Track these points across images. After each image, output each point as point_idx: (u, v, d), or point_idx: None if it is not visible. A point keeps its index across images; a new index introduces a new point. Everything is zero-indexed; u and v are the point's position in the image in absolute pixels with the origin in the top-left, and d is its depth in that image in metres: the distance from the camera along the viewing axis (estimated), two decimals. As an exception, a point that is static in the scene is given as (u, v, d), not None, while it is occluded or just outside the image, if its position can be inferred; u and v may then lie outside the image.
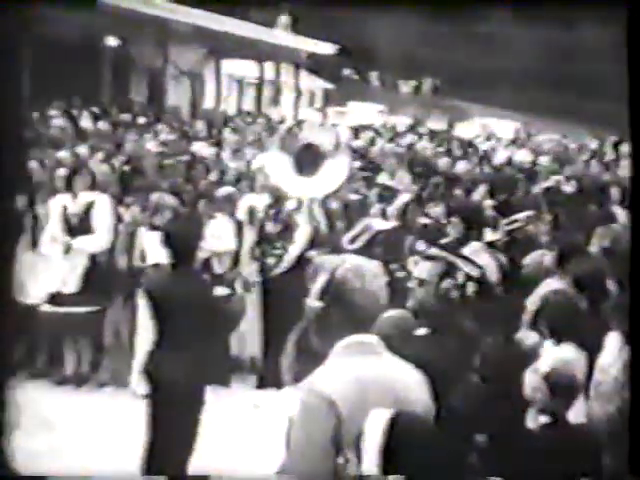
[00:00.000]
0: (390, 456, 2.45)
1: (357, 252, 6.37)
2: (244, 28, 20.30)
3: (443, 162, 11.52)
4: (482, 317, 4.68)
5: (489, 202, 8.16)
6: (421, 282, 4.73)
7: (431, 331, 4.24)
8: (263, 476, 4.33)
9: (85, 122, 13.55)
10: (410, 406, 2.64)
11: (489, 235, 6.75)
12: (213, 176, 9.25)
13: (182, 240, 5.09)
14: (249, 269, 7.48)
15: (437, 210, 7.49)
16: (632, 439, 3.75)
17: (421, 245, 6.08)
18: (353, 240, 7.51)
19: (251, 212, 7.77)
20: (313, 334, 2.81)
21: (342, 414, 2.54)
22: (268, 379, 7.13)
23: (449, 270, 4.93)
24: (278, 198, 7.67)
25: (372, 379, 2.63)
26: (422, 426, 2.63)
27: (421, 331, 4.28)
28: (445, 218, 7.07)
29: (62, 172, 8.35)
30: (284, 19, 23.08)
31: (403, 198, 8.29)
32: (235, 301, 7.03)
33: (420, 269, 4.88)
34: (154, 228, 7.10)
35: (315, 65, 24.98)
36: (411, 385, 2.74)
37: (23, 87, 16.87)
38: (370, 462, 2.46)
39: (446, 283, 4.76)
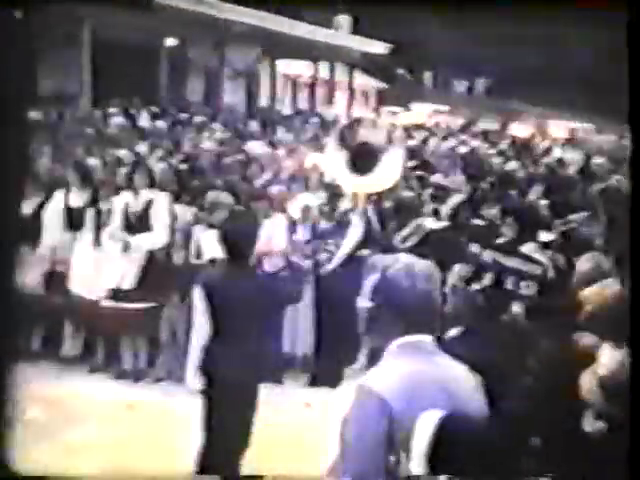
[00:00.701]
0: (441, 457, 2.41)
1: (409, 251, 6.31)
2: (299, 28, 20.33)
3: (496, 162, 11.40)
4: (538, 317, 4.60)
5: (544, 202, 8.04)
6: (453, 286, 4.68)
7: (463, 332, 4.18)
8: (315, 476, 4.31)
9: (144, 121, 13.68)
10: (463, 407, 2.60)
11: (544, 236, 6.64)
12: (268, 174, 9.26)
13: (237, 238, 5.08)
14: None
15: (491, 211, 7.41)
16: (632, 439, 3.68)
17: (475, 248, 6.01)
18: (405, 239, 7.46)
19: (305, 210, 7.75)
20: (365, 333, 2.77)
21: (394, 413, 2.51)
22: (320, 377, 7.12)
23: (478, 272, 4.86)
24: (332, 196, 7.66)
25: (425, 379, 2.58)
26: (475, 427, 2.58)
27: (453, 332, 4.22)
28: (500, 218, 6.98)
29: (122, 170, 8.47)
30: (340, 19, 23.04)
31: (456, 198, 8.21)
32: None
33: (451, 274, 4.84)
34: (210, 226, 7.12)
35: (369, 65, 24.92)
36: (465, 386, 2.69)
37: (84, 87, 17.19)
38: (418, 462, 2.43)
39: (476, 285, 4.69)
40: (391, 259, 2.70)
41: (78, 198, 7.52)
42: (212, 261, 6.71)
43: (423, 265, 2.69)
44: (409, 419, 2.45)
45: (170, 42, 19.41)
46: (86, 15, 16.47)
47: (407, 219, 7.66)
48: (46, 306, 7.34)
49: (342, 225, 7.42)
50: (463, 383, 2.68)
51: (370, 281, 2.66)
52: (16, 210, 5.87)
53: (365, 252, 7.03)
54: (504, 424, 3.00)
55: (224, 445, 4.85)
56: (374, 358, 2.70)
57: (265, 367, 5.15)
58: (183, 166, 9.21)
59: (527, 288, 4.96)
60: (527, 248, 6.08)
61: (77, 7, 15.87)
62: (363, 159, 6.97)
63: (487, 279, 4.96)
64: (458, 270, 5.05)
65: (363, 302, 2.67)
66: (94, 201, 7.49)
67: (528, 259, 5.37)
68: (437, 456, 2.41)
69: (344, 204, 7.54)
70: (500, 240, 6.51)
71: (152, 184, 7.40)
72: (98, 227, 7.31)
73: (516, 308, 4.75)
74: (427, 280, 2.65)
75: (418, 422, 2.43)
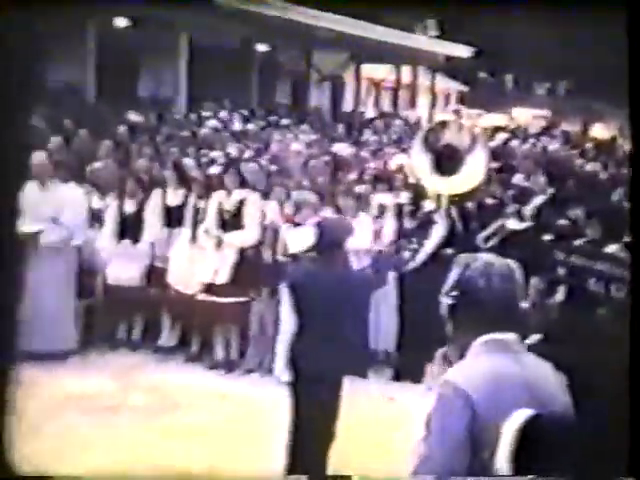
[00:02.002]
0: (525, 456, 2.37)
1: (491, 251, 6.21)
2: (384, 33, 20.24)
3: (578, 163, 11.15)
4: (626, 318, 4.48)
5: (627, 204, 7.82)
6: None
7: (543, 338, 4.09)
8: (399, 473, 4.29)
9: (236, 124, 13.81)
10: (547, 406, 2.55)
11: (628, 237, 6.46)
12: (353, 175, 9.25)
13: (322, 235, 5.09)
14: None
15: (574, 211, 7.24)
16: (632, 439, 3.56)
17: (560, 255, 5.88)
18: (487, 239, 7.36)
19: (389, 209, 7.72)
20: (448, 330, 2.75)
21: (478, 409, 2.47)
22: (403, 372, 7.08)
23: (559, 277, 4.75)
24: (416, 196, 7.60)
25: (509, 377, 2.54)
26: (559, 427, 2.53)
27: (534, 338, 4.14)
28: (584, 219, 6.82)
29: (215, 170, 8.57)
30: (424, 24, 22.86)
31: (538, 199, 8.07)
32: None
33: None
34: (297, 224, 7.15)
35: (451, 68, 24.69)
36: (549, 385, 2.64)
37: (181, 91, 17.42)
38: (503, 460, 2.39)
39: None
40: (472, 257, 2.68)
41: (175, 197, 7.64)
42: (299, 258, 6.73)
43: (503, 264, 2.66)
44: (493, 416, 2.42)
45: (261, 48, 19.58)
46: (183, 22, 16.71)
47: (489, 220, 7.56)
48: (146, 299, 7.49)
49: (426, 224, 7.35)
50: (547, 382, 2.63)
51: (451, 278, 2.64)
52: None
53: (448, 251, 6.96)
54: (589, 424, 2.93)
55: (311, 435, 4.86)
56: (458, 354, 2.68)
57: (350, 361, 5.13)
58: (272, 167, 9.26)
59: (616, 291, 4.84)
60: (612, 249, 5.93)
61: (175, 16, 16.12)
62: (447, 161, 6.90)
63: (569, 283, 4.85)
64: (535, 283, 4.96)
65: (445, 299, 2.65)
66: (190, 200, 7.59)
67: (614, 260, 5.23)
68: (522, 455, 2.37)
69: (428, 204, 7.47)
70: (583, 241, 6.37)
71: (243, 184, 7.48)
72: (194, 225, 7.41)
73: (602, 310, 4.64)
74: (507, 279, 2.62)
75: (506, 420, 2.40)
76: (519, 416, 2.40)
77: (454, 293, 2.62)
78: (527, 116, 20.31)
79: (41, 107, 13.01)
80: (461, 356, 2.64)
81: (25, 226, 6.96)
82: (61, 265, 7.12)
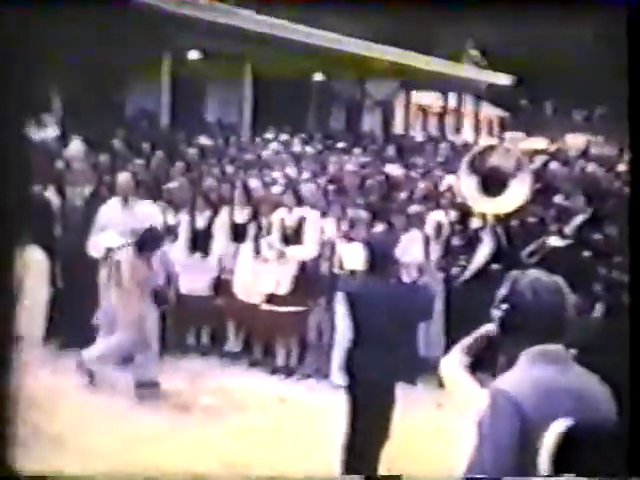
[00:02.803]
0: (568, 462, 2.33)
1: (536, 266, 6.11)
2: (433, 63, 20.19)
3: (616, 185, 10.93)
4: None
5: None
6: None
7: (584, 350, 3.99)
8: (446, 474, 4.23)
9: (295, 147, 13.85)
10: (593, 415, 2.49)
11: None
12: (404, 194, 9.20)
13: (375, 250, 5.07)
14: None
15: (613, 229, 7.11)
16: (632, 439, 3.42)
17: (600, 270, 5.77)
18: (531, 255, 7.25)
19: (438, 227, 7.66)
20: (497, 341, 2.71)
21: (527, 417, 2.43)
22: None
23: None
24: (464, 215, 7.53)
25: (557, 386, 2.50)
26: (604, 434, 2.48)
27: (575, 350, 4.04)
28: (620, 236, 6.68)
29: (277, 189, 8.61)
30: (469, 54, 22.77)
31: (578, 218, 7.94)
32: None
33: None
34: (351, 240, 7.13)
35: (494, 95, 24.54)
36: (597, 396, 2.59)
37: (245, 116, 17.56)
38: (545, 468, 2.35)
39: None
40: (521, 273, 2.65)
41: (241, 214, 7.69)
42: (353, 271, 6.71)
43: (550, 279, 2.62)
44: (540, 423, 2.38)
45: (318, 77, 19.67)
46: (248, 54, 16.87)
47: (533, 237, 7.46)
48: (213, 308, 7.53)
49: (473, 242, 7.28)
50: (593, 392, 2.58)
51: (501, 293, 2.62)
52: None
53: (494, 267, 6.88)
54: (632, 432, 2.86)
55: (365, 437, 4.82)
56: (507, 364, 2.64)
57: (401, 368, 5.09)
58: (329, 186, 9.25)
59: None
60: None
61: (241, 49, 16.29)
62: (493, 182, 6.83)
63: (607, 298, 4.74)
64: (576, 298, 4.84)
65: (495, 312, 2.63)
66: (255, 217, 7.63)
67: None
68: (564, 461, 2.33)
69: (475, 223, 7.39)
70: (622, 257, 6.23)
71: (303, 202, 7.51)
72: (258, 240, 7.44)
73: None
74: (554, 293, 2.58)
75: (549, 429, 2.36)
76: (561, 424, 2.36)
77: (504, 306, 2.60)
78: (566, 140, 20.05)
79: (121, 131, 13.26)
80: (509, 365, 2.61)
81: (109, 240, 7.09)
82: (131, 275, 7.19)
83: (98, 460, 5.03)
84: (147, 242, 6.45)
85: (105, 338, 6.50)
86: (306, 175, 10.09)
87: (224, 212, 7.69)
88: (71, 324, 7.04)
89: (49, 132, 11.89)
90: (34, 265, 5.32)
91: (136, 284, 6.33)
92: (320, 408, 6.16)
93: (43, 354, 5.51)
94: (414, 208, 7.95)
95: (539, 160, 13.55)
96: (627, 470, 2.49)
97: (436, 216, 7.90)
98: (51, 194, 7.83)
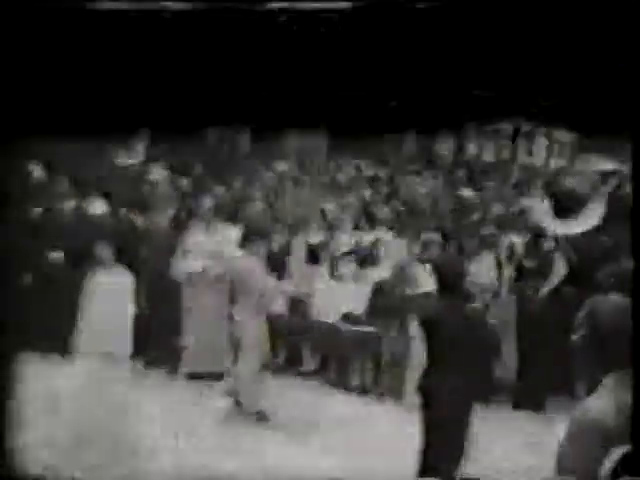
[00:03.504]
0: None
1: (612, 289, 5.94)
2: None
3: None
4: None
5: None
6: None
7: None
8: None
9: (368, 170, 13.84)
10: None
11: None
12: (477, 216, 9.09)
13: (448, 272, 5.00)
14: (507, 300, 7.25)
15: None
16: (632, 439, 3.23)
17: None
18: (605, 278, 7.06)
19: (511, 249, 7.53)
20: (575, 364, 2.64)
21: (610, 440, 2.36)
22: (523, 401, 6.85)
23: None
24: (536, 237, 7.39)
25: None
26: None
27: None
28: None
29: (352, 212, 8.62)
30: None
31: (654, 240, 7.69)
32: (495, 329, 6.82)
33: None
34: (424, 261, 7.06)
35: (566, 116, 24.08)
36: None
37: (321, 141, 17.71)
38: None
39: None
40: (601, 298, 2.59)
41: (317, 236, 7.71)
42: (426, 293, 6.64)
43: (627, 303, 2.55)
44: (618, 447, 2.32)
45: (392, 103, 19.67)
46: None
47: (607, 259, 7.26)
48: (290, 327, 7.54)
49: (546, 263, 7.14)
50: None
51: (581, 316, 2.56)
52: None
53: (568, 289, 6.74)
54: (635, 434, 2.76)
55: (440, 457, 4.75)
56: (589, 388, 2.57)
57: (475, 389, 4.99)
58: (402, 209, 9.21)
59: None
60: None
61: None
62: (566, 205, 6.71)
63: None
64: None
65: (574, 336, 2.56)
66: (330, 239, 7.64)
67: None
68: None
69: (547, 245, 7.25)
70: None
71: (377, 225, 7.49)
72: (334, 261, 7.44)
73: None
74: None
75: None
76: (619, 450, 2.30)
77: (583, 331, 2.54)
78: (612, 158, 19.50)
79: (202, 156, 13.48)
80: (590, 389, 2.54)
81: (191, 264, 7.20)
82: (218, 296, 7.28)
83: (183, 473, 5.09)
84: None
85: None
86: (379, 198, 10.07)
87: (300, 234, 7.73)
88: (156, 343, 7.15)
89: (135, 157, 12.18)
90: (120, 286, 5.45)
91: (258, 303, 6.30)
92: (395, 428, 6.08)
93: (130, 371, 5.61)
94: (487, 230, 7.83)
95: (612, 182, 13.24)
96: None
97: (509, 238, 7.78)
98: (136, 217, 8.01)
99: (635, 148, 4.17)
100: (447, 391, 4.69)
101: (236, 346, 6.83)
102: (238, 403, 6.28)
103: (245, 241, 6.45)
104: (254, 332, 6.28)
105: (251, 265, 6.32)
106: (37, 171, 9.37)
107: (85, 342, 5.36)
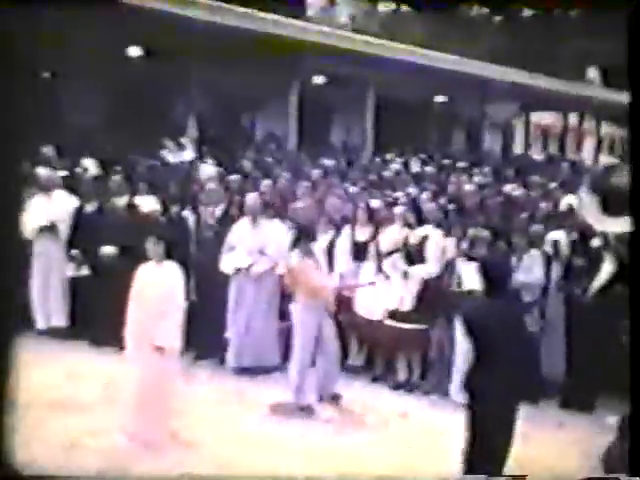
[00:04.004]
0: None
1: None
2: (554, 83, 19.66)
3: None
4: None
5: None
6: None
7: None
8: None
9: (415, 167, 13.78)
10: None
11: None
12: (525, 214, 8.96)
13: (495, 270, 4.96)
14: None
15: None
16: (632, 439, 3.13)
17: None
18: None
19: (559, 246, 7.42)
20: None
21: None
22: (572, 401, 6.75)
23: None
24: (585, 234, 7.27)
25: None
26: None
27: None
28: None
29: (399, 209, 8.58)
30: (590, 72, 22.07)
31: None
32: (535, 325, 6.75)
33: None
34: (471, 259, 6.99)
35: (614, 113, 23.67)
36: None
37: (368, 138, 17.66)
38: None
39: None
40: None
41: (362, 233, 7.68)
42: (473, 290, 6.58)
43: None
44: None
45: (439, 99, 19.53)
46: (371, 77, 16.97)
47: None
48: (336, 323, 7.51)
49: (594, 261, 7.01)
50: None
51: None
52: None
53: (616, 287, 6.60)
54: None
55: (485, 456, 4.72)
56: None
57: (522, 387, 4.94)
58: (450, 206, 9.12)
59: None
60: None
61: (364, 73, 16.40)
62: (615, 202, 6.57)
63: None
64: None
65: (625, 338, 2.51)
66: (376, 236, 7.61)
67: None
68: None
69: (596, 242, 7.12)
70: None
71: (424, 221, 7.44)
72: (380, 258, 7.41)
73: None
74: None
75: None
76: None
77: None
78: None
79: (250, 153, 13.58)
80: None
81: (238, 259, 7.26)
82: (266, 292, 7.33)
83: (229, 465, 5.14)
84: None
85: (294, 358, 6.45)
86: (426, 195, 10.01)
87: (346, 231, 7.71)
88: (205, 337, 7.23)
89: (186, 155, 12.32)
90: (172, 280, 5.51)
91: (314, 294, 6.34)
92: (441, 425, 6.05)
93: (180, 364, 5.66)
94: (535, 228, 7.73)
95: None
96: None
97: (557, 236, 7.66)
98: (187, 213, 8.09)
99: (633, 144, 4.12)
100: (493, 389, 4.65)
101: (288, 341, 6.89)
102: (287, 397, 6.33)
103: (297, 238, 6.50)
104: (308, 327, 6.32)
105: (304, 261, 6.38)
106: (92, 168, 9.56)
107: (136, 336, 5.42)
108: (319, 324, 6.39)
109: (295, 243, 6.56)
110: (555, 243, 7.48)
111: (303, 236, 6.52)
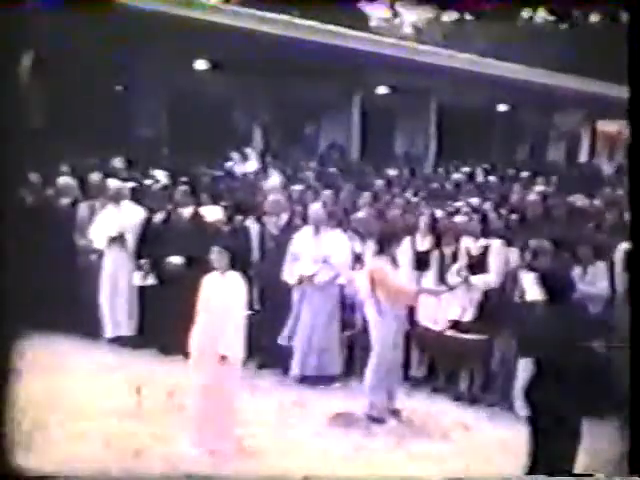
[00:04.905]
0: None
1: None
2: (621, 90, 19.20)
3: None
4: None
5: None
6: None
7: None
8: None
9: (478, 176, 13.64)
10: None
11: None
12: (590, 224, 8.78)
13: (557, 281, 4.89)
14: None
15: None
16: (632, 439, 2.98)
17: None
18: None
19: (626, 257, 7.24)
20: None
21: None
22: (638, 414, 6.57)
23: None
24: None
25: None
26: None
27: None
28: None
29: (460, 219, 8.51)
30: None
31: None
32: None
33: None
34: (533, 269, 6.89)
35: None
36: None
37: (430, 148, 17.57)
38: None
39: None
40: None
41: (424, 243, 7.63)
42: (535, 301, 6.48)
43: None
44: None
45: (502, 108, 19.31)
46: (434, 87, 16.90)
47: None
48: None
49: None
50: None
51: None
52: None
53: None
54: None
55: (547, 470, 4.64)
56: None
57: (586, 401, 4.85)
58: (512, 216, 9.00)
59: None
60: None
61: (427, 83, 16.34)
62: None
63: None
64: None
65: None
66: (437, 245, 7.55)
67: None
68: None
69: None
70: None
71: (486, 231, 7.36)
72: (441, 267, 7.36)
73: None
74: None
75: None
76: None
77: None
78: None
79: (313, 163, 13.66)
80: None
81: (303, 267, 7.28)
82: (329, 301, 7.35)
83: (289, 475, 5.16)
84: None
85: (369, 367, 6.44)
86: (488, 205, 9.90)
87: (407, 241, 7.67)
88: (268, 346, 7.29)
89: (250, 166, 12.47)
90: (235, 290, 5.56)
91: (395, 297, 6.35)
92: (503, 438, 5.96)
93: (243, 373, 5.72)
94: (600, 239, 7.57)
95: None
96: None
97: (624, 247, 7.48)
98: (251, 223, 8.18)
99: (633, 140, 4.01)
100: (555, 402, 4.58)
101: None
102: (349, 406, 6.33)
103: (379, 244, 6.50)
104: (382, 336, 6.30)
105: (385, 264, 6.37)
106: (161, 178, 9.75)
107: (200, 345, 5.50)
108: (395, 332, 6.36)
109: (378, 250, 6.55)
110: (622, 254, 7.31)
111: (385, 243, 6.51)
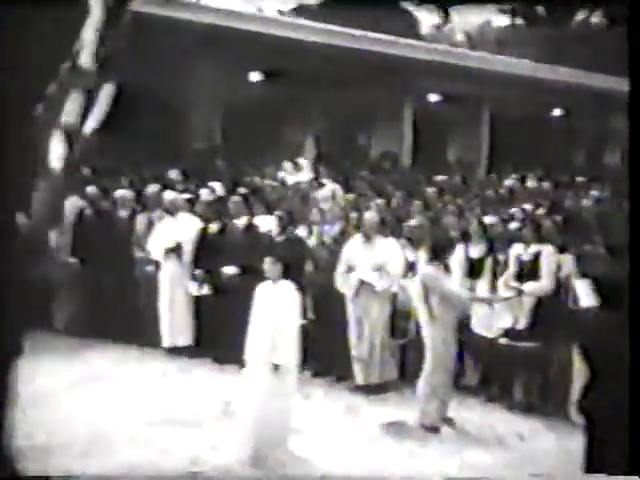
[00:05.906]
0: None
1: None
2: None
3: None
4: None
5: None
6: None
7: None
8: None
9: (530, 182, 13.45)
10: None
11: None
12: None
13: (611, 287, 4.79)
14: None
15: None
16: (632, 438, 2.80)
17: None
18: None
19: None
20: None
21: None
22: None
23: None
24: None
25: None
26: None
27: None
28: None
29: (513, 225, 8.40)
30: None
31: None
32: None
33: None
34: (585, 275, 6.75)
35: None
36: None
37: (482, 155, 17.35)
38: None
39: None
40: None
41: (476, 250, 7.55)
42: (589, 308, 6.35)
43: None
44: None
45: (557, 112, 19.02)
46: (485, 93, 16.76)
47: None
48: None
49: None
50: None
51: None
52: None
53: None
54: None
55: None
56: None
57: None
58: (566, 222, 8.86)
59: None
60: None
61: (479, 90, 16.19)
62: None
63: None
64: None
65: None
66: (491, 251, 7.47)
67: None
68: None
69: None
70: None
71: (538, 237, 7.25)
72: (494, 274, 7.27)
73: None
74: None
75: None
76: None
77: None
78: None
79: (365, 172, 13.65)
80: None
81: (360, 274, 7.26)
82: (384, 309, 7.33)
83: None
84: None
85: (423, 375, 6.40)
86: (541, 211, 9.76)
87: (459, 248, 7.60)
88: (323, 355, 7.31)
89: (303, 175, 12.52)
90: (288, 299, 5.60)
91: (445, 309, 6.34)
92: (558, 447, 5.86)
93: (298, 382, 5.73)
94: (657, 244, 7.38)
95: None
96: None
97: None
98: (304, 232, 8.21)
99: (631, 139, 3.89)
100: (611, 409, 4.49)
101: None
102: (402, 415, 6.30)
103: (431, 254, 6.48)
104: (435, 344, 6.27)
105: (440, 271, 6.33)
106: (217, 189, 9.86)
107: (255, 354, 5.54)
108: (448, 340, 6.31)
109: (430, 257, 6.52)
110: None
111: (438, 250, 6.49)
